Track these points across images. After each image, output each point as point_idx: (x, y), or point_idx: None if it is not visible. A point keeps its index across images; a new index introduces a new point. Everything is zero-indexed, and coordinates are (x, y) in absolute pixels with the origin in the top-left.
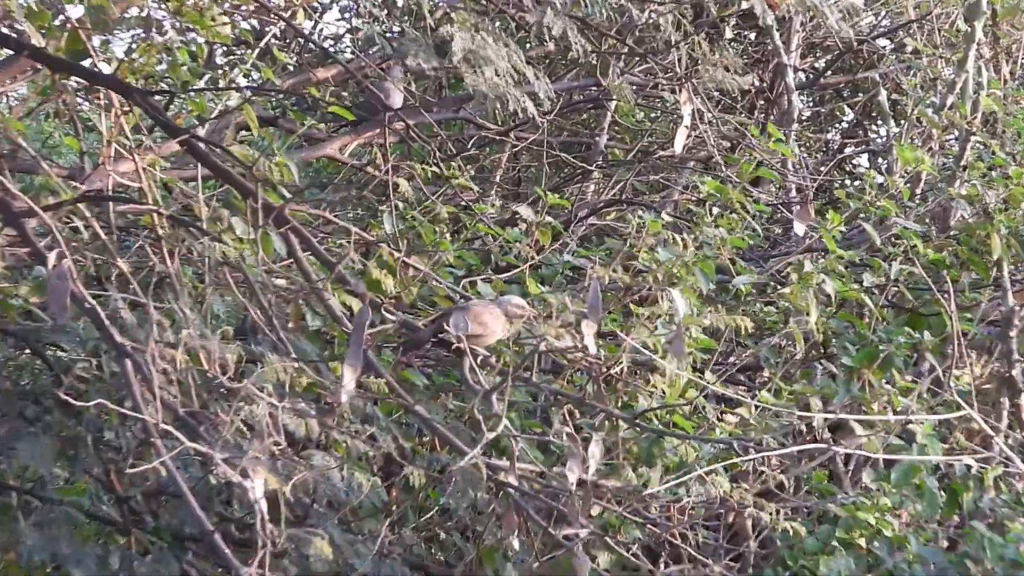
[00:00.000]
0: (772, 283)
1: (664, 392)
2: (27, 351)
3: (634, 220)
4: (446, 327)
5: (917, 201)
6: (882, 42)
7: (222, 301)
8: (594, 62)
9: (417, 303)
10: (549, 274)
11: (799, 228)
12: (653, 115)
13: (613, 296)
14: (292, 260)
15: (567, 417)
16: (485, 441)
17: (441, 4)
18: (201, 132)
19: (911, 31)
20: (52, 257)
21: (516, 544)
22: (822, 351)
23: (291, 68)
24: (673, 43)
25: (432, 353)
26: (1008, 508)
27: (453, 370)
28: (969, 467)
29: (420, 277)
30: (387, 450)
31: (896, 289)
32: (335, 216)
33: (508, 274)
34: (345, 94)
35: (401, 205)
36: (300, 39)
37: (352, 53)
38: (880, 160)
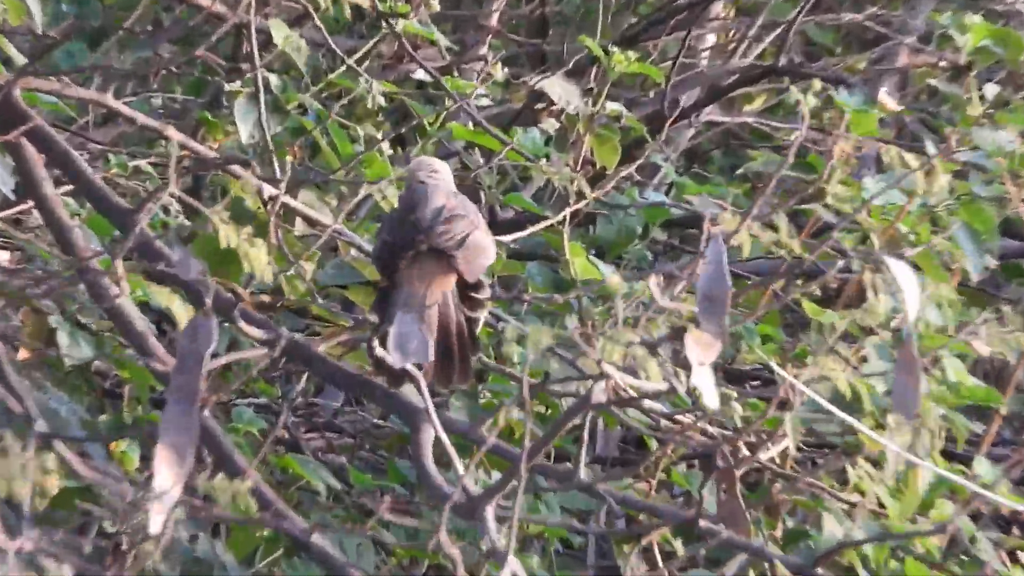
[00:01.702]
0: None
1: (882, 505)
2: None
3: (804, 107)
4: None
5: None
6: None
7: None
8: None
9: (313, 300)
10: (612, 233)
11: None
12: None
13: (762, 283)
14: (30, 206)
15: (652, 563)
16: None
17: None
18: None
19: None
20: None
21: None
22: None
23: None
24: None
25: (352, 412)
26: None
27: (394, 458)
28: None
29: (323, 240)
30: None
31: None
32: (125, 104)
33: (523, 232)
34: None
35: (276, 80)
36: None
37: None
38: None
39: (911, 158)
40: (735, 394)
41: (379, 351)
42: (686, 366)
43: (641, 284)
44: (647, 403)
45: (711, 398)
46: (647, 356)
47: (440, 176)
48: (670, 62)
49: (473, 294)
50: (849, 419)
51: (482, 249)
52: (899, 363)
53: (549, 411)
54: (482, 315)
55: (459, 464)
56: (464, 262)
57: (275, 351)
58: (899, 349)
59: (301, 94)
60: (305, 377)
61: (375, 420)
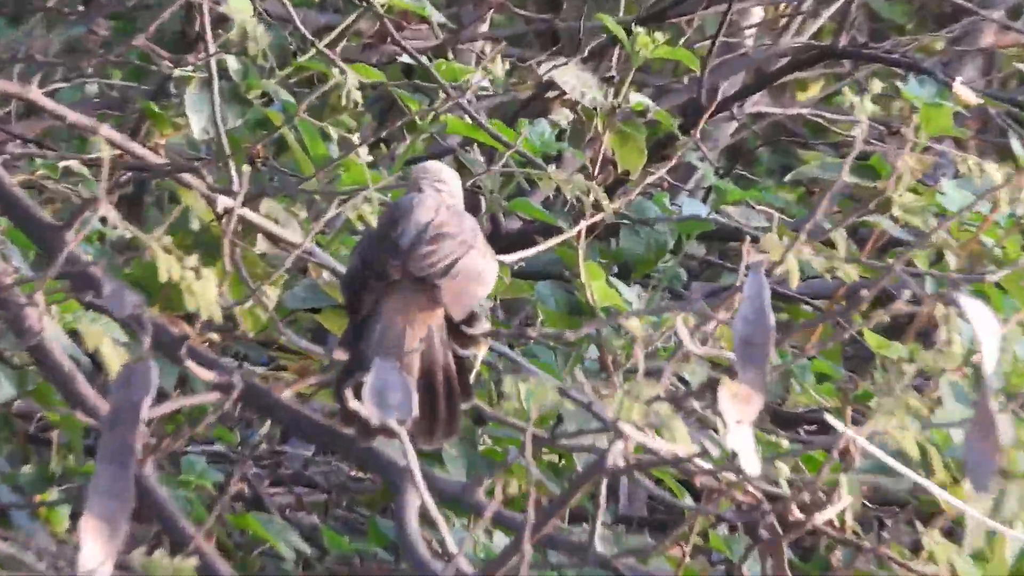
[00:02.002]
0: None
1: None
2: None
3: (863, 101)
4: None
5: None
6: None
7: None
8: None
9: (278, 331)
10: (639, 248)
11: None
12: None
13: (817, 317)
14: None
15: None
16: None
17: None
18: None
19: None
20: None
21: None
22: None
23: None
24: None
25: (326, 462)
26: None
27: (375, 517)
28: None
29: (290, 262)
30: None
31: None
32: (54, 91)
33: (529, 251)
34: None
35: (235, 64)
36: None
37: None
38: None
39: (991, 166)
40: (785, 443)
41: (353, 403)
42: (723, 420)
43: (668, 318)
44: (670, 457)
45: (751, 462)
46: (672, 415)
47: (446, 187)
48: (707, 42)
49: (465, 328)
50: (920, 479)
51: (475, 276)
52: (974, 425)
53: (562, 461)
54: (476, 354)
55: (450, 539)
56: (450, 294)
57: (228, 396)
58: (975, 406)
59: (265, 81)
60: (269, 422)
61: (352, 472)
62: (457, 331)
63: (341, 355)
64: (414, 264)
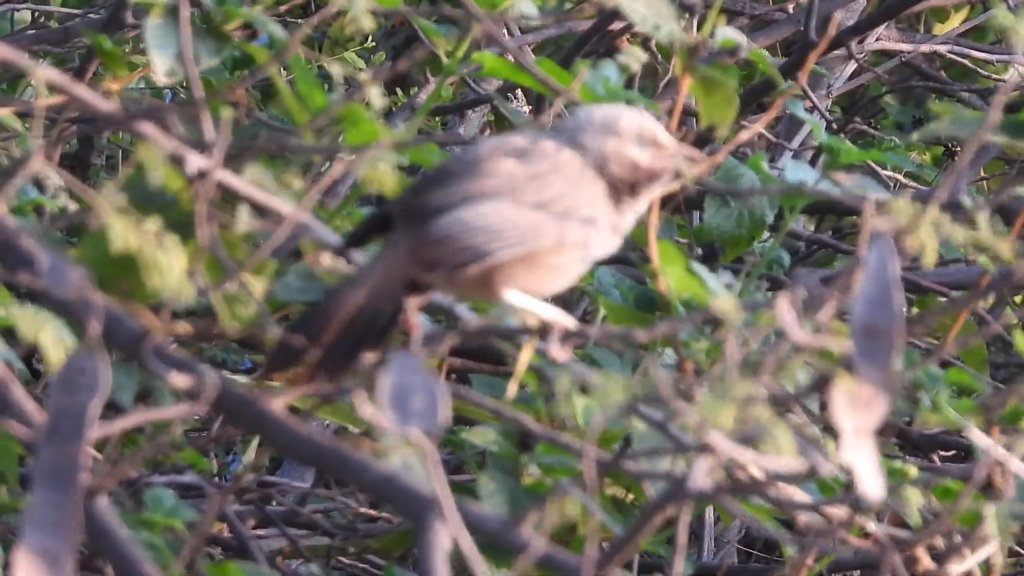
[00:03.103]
0: None
1: None
2: None
3: (1020, 35)
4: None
5: None
6: None
7: None
8: None
9: (264, 328)
10: (729, 223)
11: None
12: None
13: (954, 305)
14: None
15: None
16: None
17: None
18: None
19: None
20: None
21: None
22: None
23: None
24: None
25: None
26: None
27: (392, 567)
28: None
29: (279, 239)
30: None
31: None
32: None
33: None
34: None
35: None
36: None
37: None
38: None
39: None
40: (913, 471)
41: (365, 408)
42: (836, 433)
43: (769, 307)
44: (776, 489)
45: (872, 483)
46: (775, 419)
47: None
48: None
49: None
50: None
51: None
52: None
53: (631, 495)
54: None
55: None
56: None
57: (202, 408)
58: None
59: (247, 8)
60: (256, 443)
61: (363, 508)
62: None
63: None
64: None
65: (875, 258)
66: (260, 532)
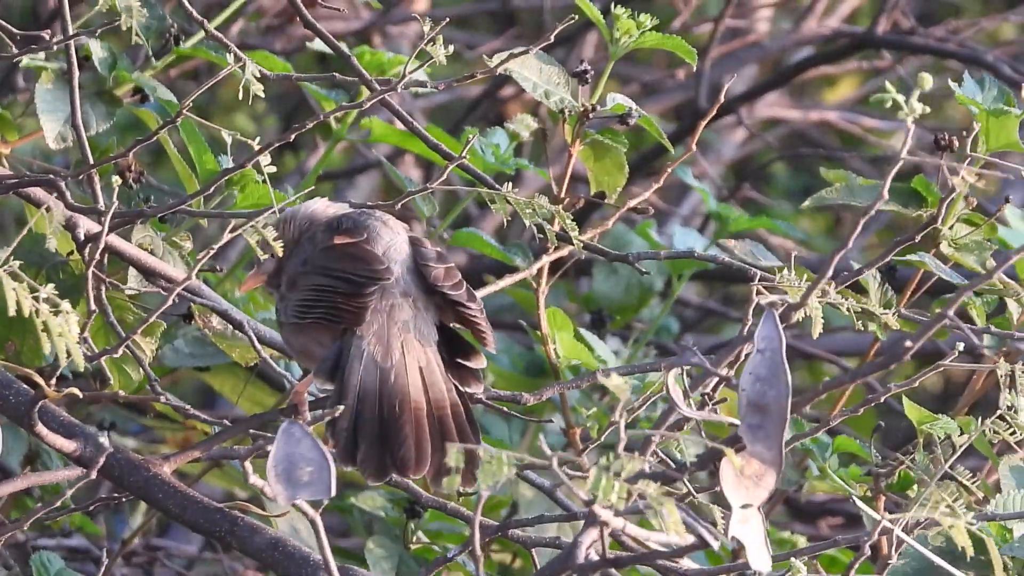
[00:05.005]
0: None
1: None
2: None
3: (910, 100)
4: None
5: None
6: None
7: None
8: None
9: (153, 391)
10: (617, 291)
11: None
12: None
13: (842, 378)
14: None
15: None
16: None
17: None
18: None
19: None
20: None
21: None
22: None
23: None
24: None
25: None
26: None
27: None
28: None
29: (169, 303)
30: None
31: None
32: None
33: (480, 292)
34: None
35: (100, 51)
36: None
37: None
38: None
39: None
40: (802, 541)
41: (253, 478)
42: (725, 504)
43: (656, 378)
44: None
45: (759, 556)
46: (663, 497)
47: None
48: (709, 27)
49: (461, 360)
50: None
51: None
52: None
53: (517, 561)
54: (478, 394)
55: None
56: (476, 311)
57: (91, 472)
58: None
59: (138, 73)
60: (148, 508)
61: (250, 573)
62: (453, 363)
63: (325, 384)
64: (434, 273)
65: (763, 333)
66: None
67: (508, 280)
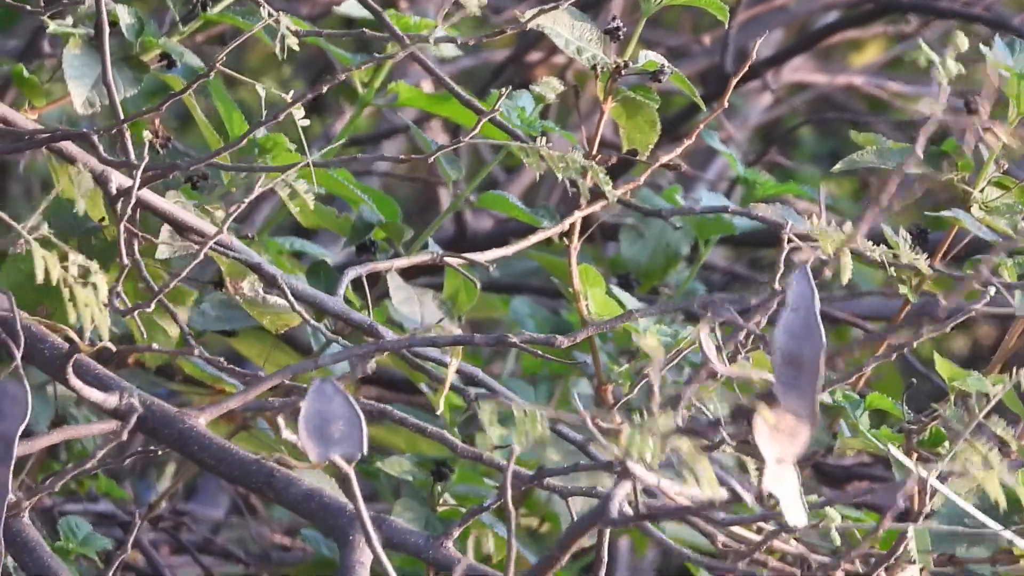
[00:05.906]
0: None
1: None
2: None
3: (945, 62)
4: None
5: None
6: None
7: None
8: None
9: (188, 351)
10: (644, 255)
11: None
12: None
13: (873, 335)
14: None
15: None
16: None
17: None
18: None
19: None
20: None
21: None
22: None
23: None
24: None
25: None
26: None
27: None
28: None
29: (200, 258)
30: None
31: None
32: None
33: (505, 250)
34: None
35: (128, 17)
36: None
37: None
38: None
39: None
40: (833, 503)
41: (286, 432)
42: (758, 459)
43: (686, 334)
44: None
45: (795, 511)
46: (695, 452)
47: None
48: None
49: None
50: (1008, 533)
51: None
52: None
53: (545, 525)
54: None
55: None
56: None
57: (129, 422)
58: None
59: (166, 38)
60: (176, 471)
61: (277, 537)
62: None
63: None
64: None
65: (797, 288)
66: (175, 560)
67: (536, 237)
